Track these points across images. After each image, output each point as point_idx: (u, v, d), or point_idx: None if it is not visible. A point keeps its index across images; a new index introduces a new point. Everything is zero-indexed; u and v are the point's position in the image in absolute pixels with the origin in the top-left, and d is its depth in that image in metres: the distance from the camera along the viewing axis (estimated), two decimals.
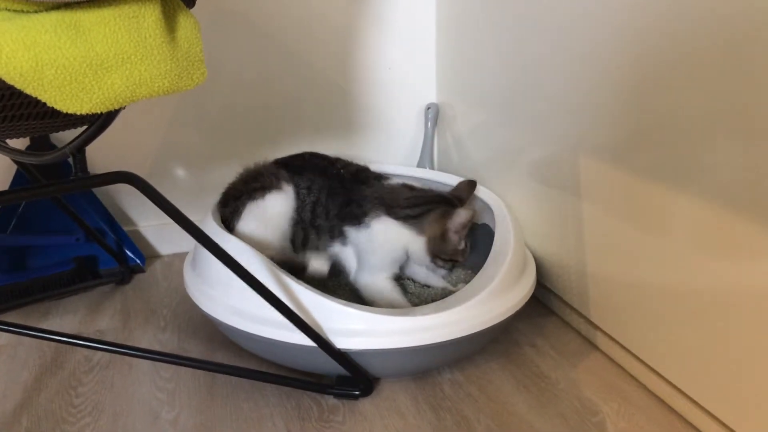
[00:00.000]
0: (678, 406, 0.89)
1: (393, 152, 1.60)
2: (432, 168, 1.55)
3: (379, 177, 1.15)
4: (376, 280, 1.06)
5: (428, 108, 1.55)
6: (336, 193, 1.10)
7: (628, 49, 0.87)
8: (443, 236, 1.05)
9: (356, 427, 0.87)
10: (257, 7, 1.35)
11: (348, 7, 1.43)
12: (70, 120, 0.66)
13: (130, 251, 1.36)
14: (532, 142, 1.15)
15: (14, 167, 1.27)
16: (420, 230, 1.04)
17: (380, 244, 1.04)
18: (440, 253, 1.05)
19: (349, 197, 1.09)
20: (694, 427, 0.86)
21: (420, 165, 1.55)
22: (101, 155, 1.33)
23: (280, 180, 1.09)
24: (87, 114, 0.56)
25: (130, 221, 1.43)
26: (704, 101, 0.75)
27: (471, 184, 1.16)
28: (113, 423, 0.89)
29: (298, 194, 1.10)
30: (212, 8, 1.31)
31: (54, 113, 0.61)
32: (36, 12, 0.50)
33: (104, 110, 0.54)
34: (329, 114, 1.51)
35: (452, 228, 1.04)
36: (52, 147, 1.26)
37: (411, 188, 1.11)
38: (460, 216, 1.04)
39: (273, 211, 1.07)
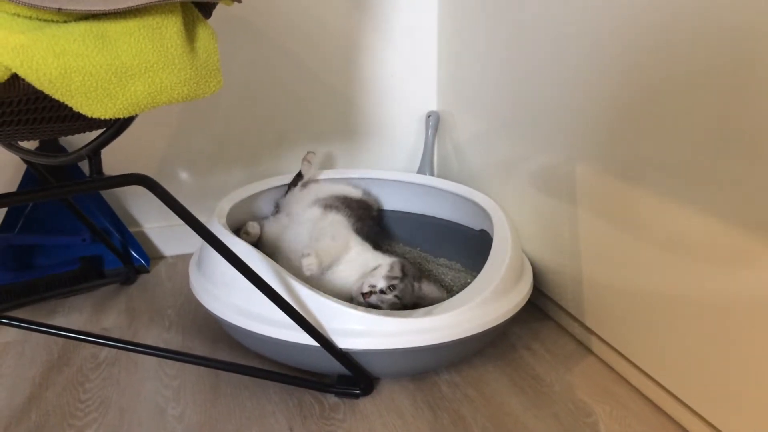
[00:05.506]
0: (669, 409, 0.92)
1: (394, 159, 1.63)
2: (432, 175, 1.58)
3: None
4: None
5: (429, 116, 1.58)
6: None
7: (625, 60, 0.90)
8: None
9: (356, 425, 0.90)
10: (263, 16, 1.38)
11: (351, 17, 1.46)
12: (89, 123, 0.69)
13: (135, 252, 1.39)
14: (530, 150, 1.18)
15: (22, 167, 1.29)
16: None
17: None
18: None
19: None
20: (685, 430, 0.88)
21: (420, 171, 1.58)
22: (108, 158, 1.35)
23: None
24: (107, 118, 0.59)
25: (135, 222, 1.45)
26: (699, 112, 0.78)
27: None
28: (120, 418, 0.91)
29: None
30: (219, 17, 1.34)
31: (75, 117, 0.64)
32: (65, 22, 0.53)
33: (127, 115, 0.57)
34: (332, 121, 1.54)
35: None
36: (61, 149, 1.29)
37: None
38: None
39: None
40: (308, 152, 1.37)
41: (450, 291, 1.19)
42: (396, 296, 0.99)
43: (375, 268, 1.04)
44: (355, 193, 1.36)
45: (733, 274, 0.77)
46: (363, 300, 1.00)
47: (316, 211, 1.22)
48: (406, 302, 1.01)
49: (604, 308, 1.02)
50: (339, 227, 1.17)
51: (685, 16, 0.78)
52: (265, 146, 1.50)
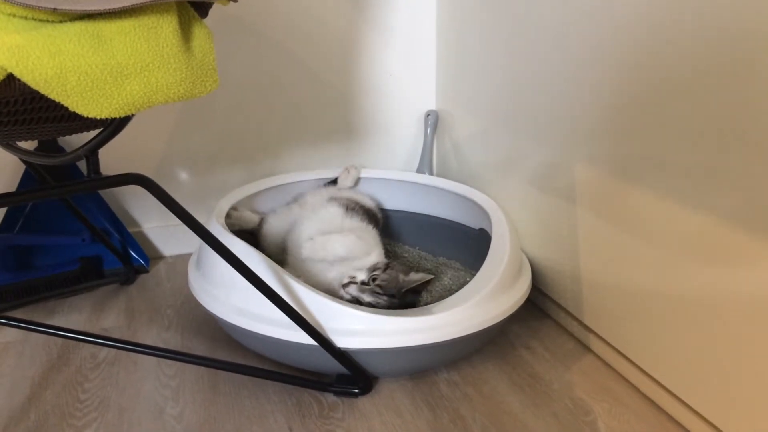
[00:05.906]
0: (667, 407, 0.91)
1: (393, 158, 1.63)
2: (431, 174, 1.58)
3: None
4: None
5: (428, 115, 1.58)
6: None
7: (625, 58, 0.90)
8: None
9: (355, 424, 0.90)
10: (260, 15, 1.38)
11: (350, 16, 1.46)
12: (86, 123, 0.69)
13: (134, 252, 1.39)
14: (529, 149, 1.18)
15: (21, 168, 1.30)
16: None
17: None
18: None
19: None
20: (683, 427, 0.88)
21: (419, 170, 1.58)
22: (107, 158, 1.36)
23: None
24: (104, 118, 0.59)
25: (134, 222, 1.45)
26: (699, 112, 0.78)
27: None
28: (119, 417, 0.91)
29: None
30: (216, 16, 1.34)
31: (71, 117, 0.64)
32: (61, 22, 0.53)
33: (122, 115, 0.57)
34: (331, 120, 1.54)
35: None
36: (60, 149, 1.29)
37: None
38: None
39: None
40: (352, 165, 1.41)
41: (449, 290, 1.19)
42: (378, 286, 0.99)
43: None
44: (370, 203, 1.37)
45: (732, 273, 0.76)
46: (343, 292, 1.00)
47: (334, 209, 1.22)
48: (391, 291, 1.00)
49: (603, 307, 1.02)
50: (367, 234, 1.18)
51: (685, 16, 0.78)
52: (263, 145, 1.50)
